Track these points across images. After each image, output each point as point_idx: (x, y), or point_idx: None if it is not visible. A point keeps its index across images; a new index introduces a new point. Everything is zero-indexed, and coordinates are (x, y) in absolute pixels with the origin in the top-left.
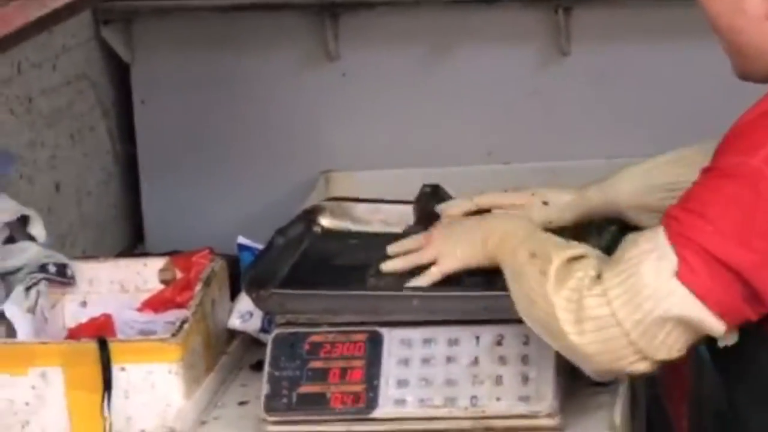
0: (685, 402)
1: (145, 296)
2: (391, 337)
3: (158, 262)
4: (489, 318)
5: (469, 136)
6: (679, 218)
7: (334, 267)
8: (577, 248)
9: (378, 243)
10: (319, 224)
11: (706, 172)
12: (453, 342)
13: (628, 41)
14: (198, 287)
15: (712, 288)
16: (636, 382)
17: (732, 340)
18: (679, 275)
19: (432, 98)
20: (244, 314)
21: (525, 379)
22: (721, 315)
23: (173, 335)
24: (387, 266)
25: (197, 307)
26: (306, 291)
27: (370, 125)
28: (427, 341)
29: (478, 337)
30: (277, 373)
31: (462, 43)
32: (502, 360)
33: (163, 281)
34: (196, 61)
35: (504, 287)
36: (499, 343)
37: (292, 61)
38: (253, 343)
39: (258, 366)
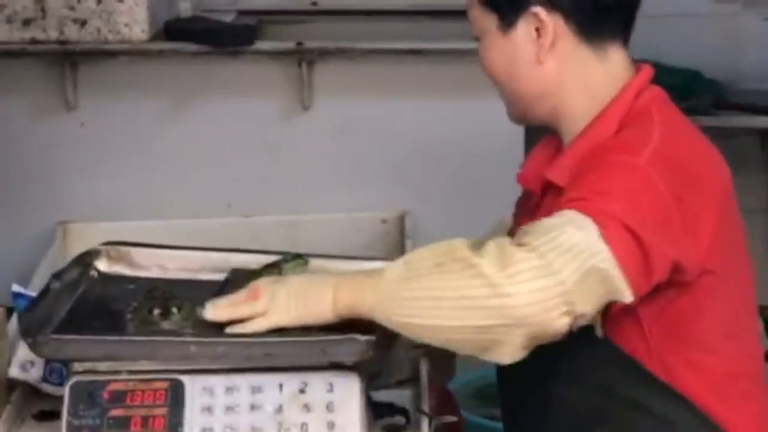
0: None
1: None
2: (194, 385)
3: None
4: (288, 365)
5: (210, 188)
6: (586, 198)
7: (113, 311)
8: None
9: (157, 287)
10: (95, 268)
11: (590, 169)
12: (256, 390)
13: (368, 95)
14: None
15: (627, 255)
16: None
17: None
18: (605, 237)
19: (173, 149)
20: (24, 363)
21: (331, 426)
22: (631, 283)
23: None
24: (213, 314)
25: None
26: (85, 336)
27: (109, 176)
28: (230, 389)
29: (281, 385)
30: (76, 422)
31: (204, 95)
32: (307, 407)
33: None
34: None
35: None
36: (302, 391)
37: (30, 110)
38: (33, 392)
39: (41, 416)
